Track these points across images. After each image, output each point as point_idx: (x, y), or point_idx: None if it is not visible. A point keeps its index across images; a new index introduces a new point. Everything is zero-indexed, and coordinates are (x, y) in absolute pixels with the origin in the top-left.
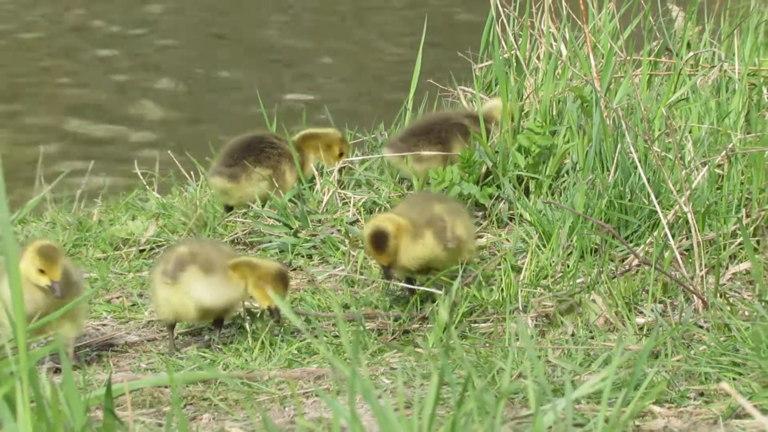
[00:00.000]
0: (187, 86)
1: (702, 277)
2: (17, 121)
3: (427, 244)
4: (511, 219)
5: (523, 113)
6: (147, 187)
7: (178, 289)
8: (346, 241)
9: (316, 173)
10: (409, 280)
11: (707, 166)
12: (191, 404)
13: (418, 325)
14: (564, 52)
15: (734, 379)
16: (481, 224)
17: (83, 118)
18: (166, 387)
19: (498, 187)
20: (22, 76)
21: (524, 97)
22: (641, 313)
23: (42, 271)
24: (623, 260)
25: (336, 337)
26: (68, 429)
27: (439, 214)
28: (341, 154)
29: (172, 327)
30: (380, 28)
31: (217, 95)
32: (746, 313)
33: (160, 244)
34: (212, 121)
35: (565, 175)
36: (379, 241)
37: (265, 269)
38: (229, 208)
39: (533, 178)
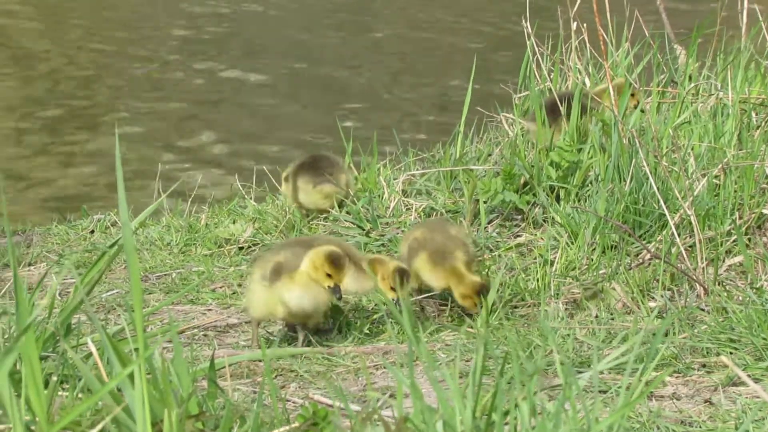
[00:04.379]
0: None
1: (703, 268)
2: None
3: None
4: (544, 221)
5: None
6: (245, 196)
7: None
8: None
9: (384, 184)
10: None
11: (706, 177)
12: (281, 375)
13: None
14: (588, 83)
15: (731, 353)
16: (520, 225)
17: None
18: (259, 361)
19: (534, 195)
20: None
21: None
22: (653, 298)
23: (329, 275)
24: (637, 255)
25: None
26: (177, 396)
27: (456, 236)
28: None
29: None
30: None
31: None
32: (740, 298)
33: (255, 243)
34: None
35: (589, 184)
36: (486, 291)
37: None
38: (306, 214)
39: (563, 187)
